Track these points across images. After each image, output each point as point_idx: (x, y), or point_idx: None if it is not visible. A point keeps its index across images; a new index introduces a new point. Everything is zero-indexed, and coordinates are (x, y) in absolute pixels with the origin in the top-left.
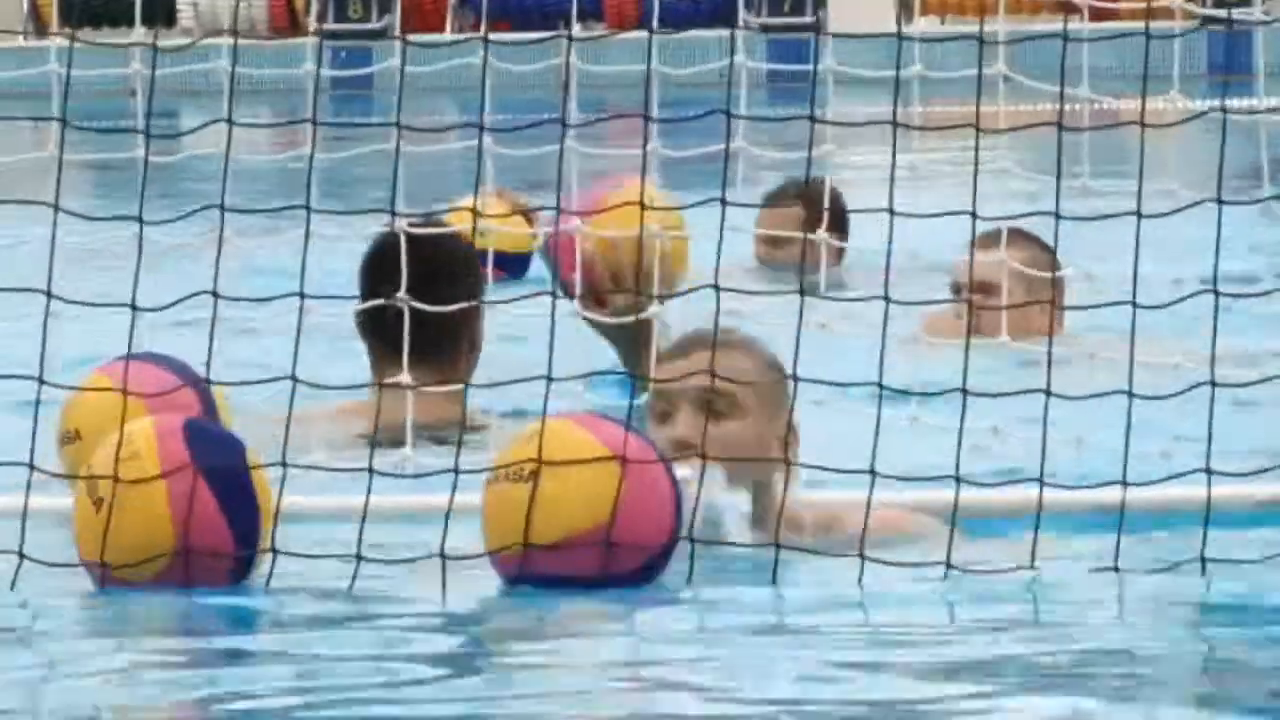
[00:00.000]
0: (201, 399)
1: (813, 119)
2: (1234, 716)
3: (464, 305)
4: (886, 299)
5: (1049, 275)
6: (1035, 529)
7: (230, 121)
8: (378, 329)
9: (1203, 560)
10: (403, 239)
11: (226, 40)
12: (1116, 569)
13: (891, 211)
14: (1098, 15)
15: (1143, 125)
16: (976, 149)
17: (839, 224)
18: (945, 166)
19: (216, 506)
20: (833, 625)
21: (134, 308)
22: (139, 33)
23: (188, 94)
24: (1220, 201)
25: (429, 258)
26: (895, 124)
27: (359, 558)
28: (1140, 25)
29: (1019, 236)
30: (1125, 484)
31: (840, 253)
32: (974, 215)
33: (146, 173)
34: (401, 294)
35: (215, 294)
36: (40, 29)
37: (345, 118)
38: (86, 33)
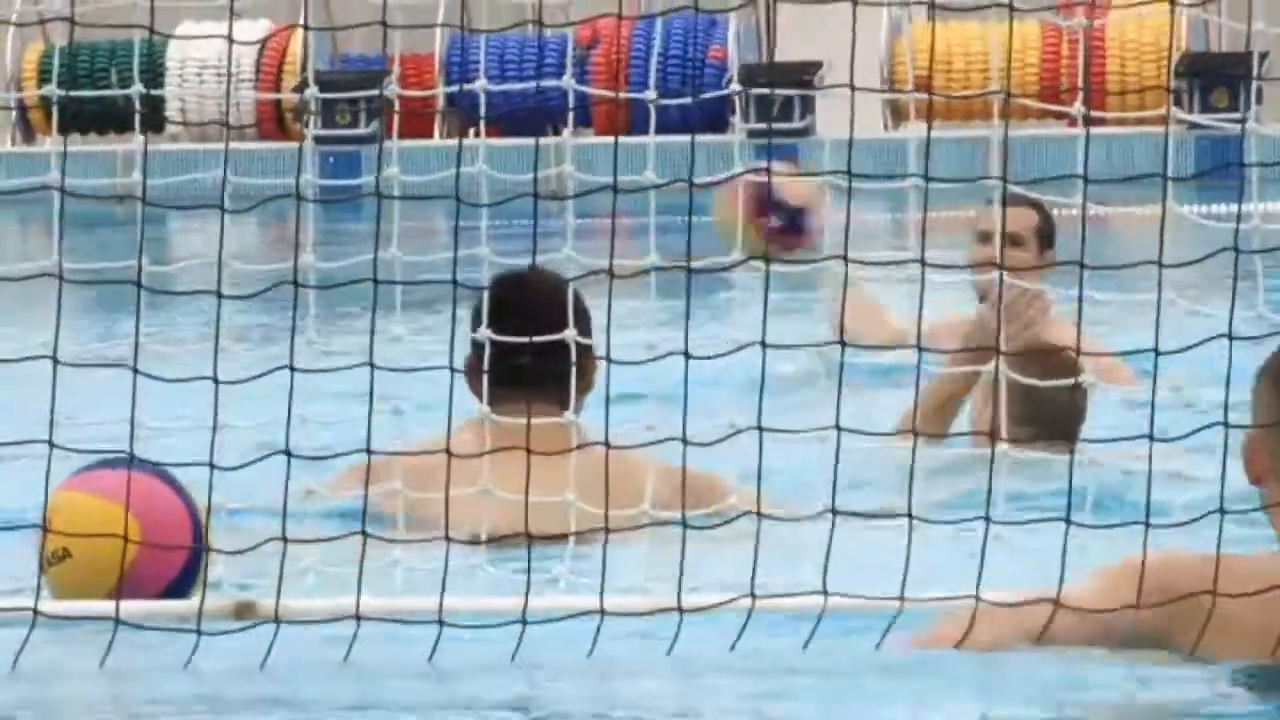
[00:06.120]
0: (188, 510)
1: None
2: None
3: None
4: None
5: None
6: None
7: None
8: (493, 369)
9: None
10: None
11: (215, 146)
12: None
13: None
14: (1088, 122)
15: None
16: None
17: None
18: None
19: None
20: None
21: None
22: (135, 140)
23: (177, 200)
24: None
25: (546, 297)
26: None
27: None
28: (1132, 131)
29: None
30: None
31: None
32: (923, 263)
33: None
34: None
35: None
36: (29, 135)
37: (334, 224)
38: (75, 139)
